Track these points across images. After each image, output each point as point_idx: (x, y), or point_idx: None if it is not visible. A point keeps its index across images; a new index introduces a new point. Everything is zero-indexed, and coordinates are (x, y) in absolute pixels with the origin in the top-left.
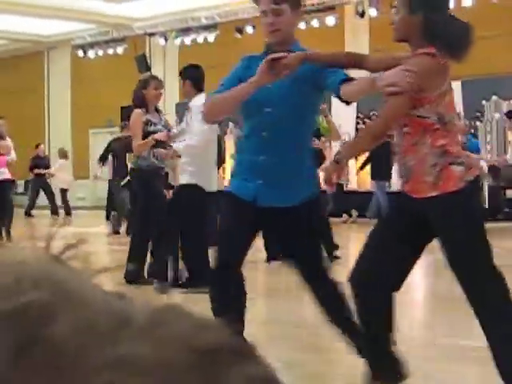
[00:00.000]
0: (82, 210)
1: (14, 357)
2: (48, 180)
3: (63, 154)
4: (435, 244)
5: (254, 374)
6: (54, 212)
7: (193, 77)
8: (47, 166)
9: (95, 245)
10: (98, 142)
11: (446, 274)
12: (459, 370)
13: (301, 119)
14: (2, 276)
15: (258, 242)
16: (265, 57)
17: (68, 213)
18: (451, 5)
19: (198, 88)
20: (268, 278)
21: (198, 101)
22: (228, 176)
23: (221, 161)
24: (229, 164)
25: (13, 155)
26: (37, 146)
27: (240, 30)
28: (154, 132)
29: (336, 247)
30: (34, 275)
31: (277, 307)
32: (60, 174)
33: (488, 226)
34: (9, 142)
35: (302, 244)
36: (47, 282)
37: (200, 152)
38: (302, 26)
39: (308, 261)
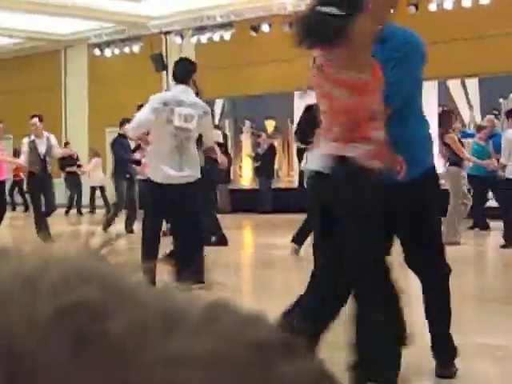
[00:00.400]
0: (101, 209)
1: (72, 351)
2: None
3: (95, 153)
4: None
5: (310, 369)
6: (79, 211)
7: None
8: (79, 165)
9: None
10: None
11: (457, 272)
12: (477, 368)
13: None
14: (45, 274)
15: (274, 240)
16: None
17: (108, 211)
18: (469, 3)
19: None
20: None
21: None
22: (245, 174)
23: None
24: (246, 162)
25: (19, 160)
26: (65, 145)
27: (255, 29)
28: None
29: None
30: (80, 272)
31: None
32: (95, 173)
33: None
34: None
35: None
36: (94, 279)
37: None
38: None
39: None
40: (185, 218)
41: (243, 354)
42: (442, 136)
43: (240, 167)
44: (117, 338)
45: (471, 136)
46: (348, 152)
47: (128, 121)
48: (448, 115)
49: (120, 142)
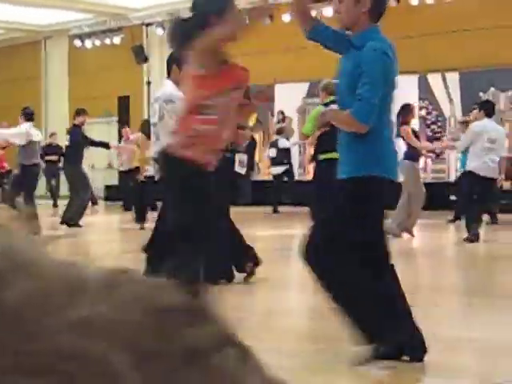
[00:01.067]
0: None
1: None
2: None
3: None
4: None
5: (213, 333)
6: (55, 201)
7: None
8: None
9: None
10: (95, 131)
11: (443, 266)
12: (456, 361)
13: None
14: None
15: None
16: None
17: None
18: None
19: None
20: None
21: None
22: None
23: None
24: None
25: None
26: (51, 136)
27: None
28: None
29: None
30: None
31: (278, 297)
32: None
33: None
34: None
35: None
36: None
37: None
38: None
39: None
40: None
41: (142, 320)
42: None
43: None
44: (14, 307)
45: None
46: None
47: (81, 111)
48: (407, 109)
49: (76, 132)
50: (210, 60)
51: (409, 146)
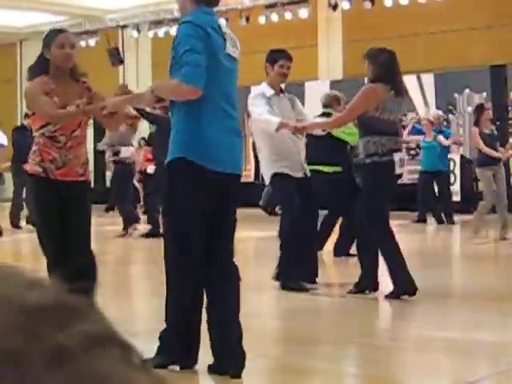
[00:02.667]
0: None
1: None
2: None
3: None
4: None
5: (86, 333)
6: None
7: None
8: None
9: None
10: None
11: (422, 266)
12: (431, 360)
13: None
14: None
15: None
16: None
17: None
18: None
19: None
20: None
21: None
22: None
23: None
24: None
25: None
26: None
27: None
28: None
29: None
30: None
31: (253, 300)
32: None
33: (461, 218)
34: None
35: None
36: None
37: None
38: (274, 18)
39: None
40: None
41: (10, 319)
42: None
43: None
44: None
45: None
46: None
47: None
48: (479, 109)
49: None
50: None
51: (479, 150)
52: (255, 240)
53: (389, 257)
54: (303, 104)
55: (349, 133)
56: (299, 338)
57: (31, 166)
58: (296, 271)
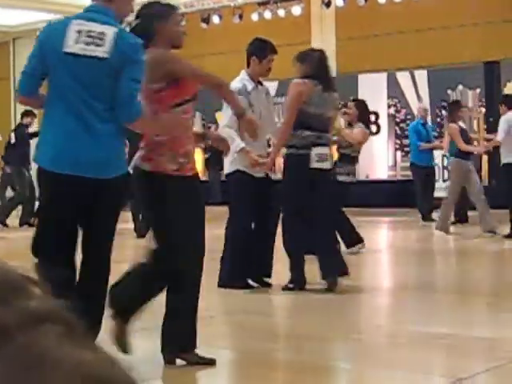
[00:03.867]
0: None
1: None
2: None
3: None
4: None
5: (27, 309)
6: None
7: None
8: None
9: None
10: None
11: (413, 263)
12: (423, 356)
13: None
14: None
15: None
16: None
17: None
18: None
19: None
20: None
21: None
22: (197, 166)
23: None
24: (197, 154)
25: None
26: None
27: (206, 20)
28: None
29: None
30: None
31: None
32: None
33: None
34: None
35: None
36: None
37: None
38: (268, 15)
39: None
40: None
41: None
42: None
43: None
44: None
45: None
46: None
47: (29, 113)
48: (455, 106)
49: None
50: (160, 75)
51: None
52: None
53: (292, 246)
54: None
55: None
56: (289, 334)
57: (161, 164)
58: (242, 269)
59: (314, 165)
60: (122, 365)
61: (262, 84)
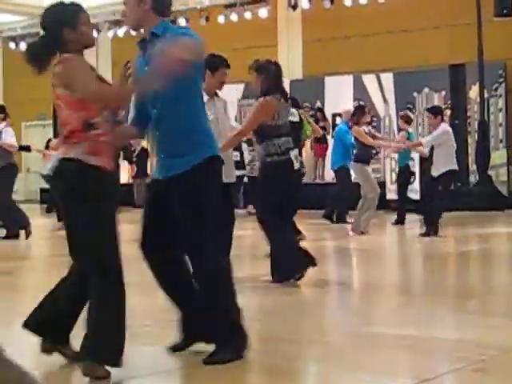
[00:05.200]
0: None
1: None
2: None
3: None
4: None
5: None
6: None
7: None
8: None
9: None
10: (31, 134)
11: (378, 264)
12: (387, 358)
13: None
14: None
15: None
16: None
17: None
18: None
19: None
20: None
21: None
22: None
23: None
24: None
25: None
26: None
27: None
28: None
29: None
30: None
31: None
32: None
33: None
34: None
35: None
36: None
37: None
38: (234, 18)
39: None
40: None
41: None
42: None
43: None
44: None
45: None
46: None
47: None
48: (361, 110)
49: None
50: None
51: (359, 148)
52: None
53: (277, 248)
54: None
55: None
56: (254, 336)
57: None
58: None
59: (296, 166)
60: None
61: (218, 96)
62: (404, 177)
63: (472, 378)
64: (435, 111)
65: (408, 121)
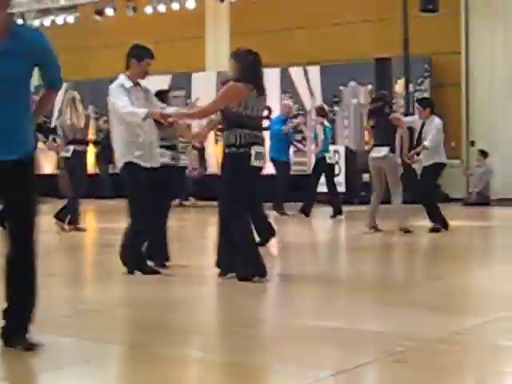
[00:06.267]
0: None
1: None
2: None
3: None
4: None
5: None
6: None
7: None
8: None
9: None
10: None
11: (302, 255)
12: (310, 349)
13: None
14: None
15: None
16: None
17: None
18: None
19: None
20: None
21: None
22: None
23: None
24: (90, 147)
25: None
26: None
27: (100, 12)
28: None
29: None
30: None
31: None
32: None
33: (345, 209)
34: None
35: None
36: None
37: None
38: (162, 8)
39: None
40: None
41: None
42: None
43: None
44: None
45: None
46: None
47: None
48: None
49: None
50: None
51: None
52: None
53: (239, 240)
54: (190, 94)
55: None
56: (170, 327)
57: None
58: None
59: (254, 163)
60: None
61: (139, 84)
62: (318, 168)
63: (391, 369)
64: (424, 104)
65: (323, 114)
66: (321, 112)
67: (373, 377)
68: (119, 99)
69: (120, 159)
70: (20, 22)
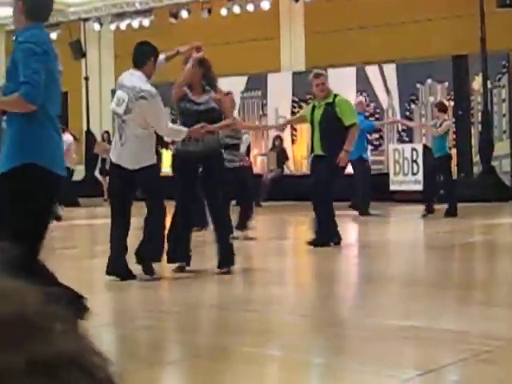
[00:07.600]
0: None
1: None
2: None
3: None
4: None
5: (34, 355)
6: None
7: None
8: None
9: None
10: None
11: (379, 257)
12: (392, 349)
13: None
14: None
15: None
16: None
17: None
18: None
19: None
20: None
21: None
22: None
23: None
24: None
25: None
26: None
27: (175, 15)
28: None
29: None
30: None
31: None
32: None
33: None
34: None
35: None
36: None
37: None
38: (236, 10)
39: None
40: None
41: None
42: None
43: None
44: None
45: None
46: None
47: None
48: None
49: None
50: None
51: None
52: None
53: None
54: (266, 95)
55: None
56: (251, 327)
57: None
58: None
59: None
60: None
61: None
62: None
63: (478, 369)
64: (441, 108)
65: (444, 109)
66: (441, 107)
67: (460, 376)
68: (163, 113)
69: (147, 161)
70: (97, 26)
